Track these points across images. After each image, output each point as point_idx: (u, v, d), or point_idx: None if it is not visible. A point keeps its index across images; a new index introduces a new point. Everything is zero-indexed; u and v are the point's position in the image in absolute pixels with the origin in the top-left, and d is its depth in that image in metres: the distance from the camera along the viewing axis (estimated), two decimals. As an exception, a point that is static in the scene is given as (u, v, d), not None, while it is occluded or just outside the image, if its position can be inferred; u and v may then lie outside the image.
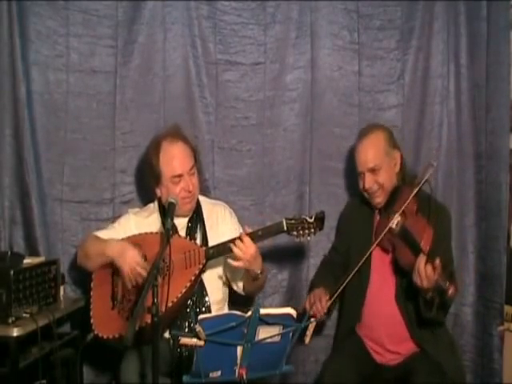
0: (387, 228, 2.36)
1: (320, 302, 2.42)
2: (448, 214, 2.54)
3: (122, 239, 2.41)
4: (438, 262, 2.13)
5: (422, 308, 2.28)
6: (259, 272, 2.30)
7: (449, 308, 2.41)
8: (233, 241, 2.26)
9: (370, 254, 2.44)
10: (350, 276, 2.43)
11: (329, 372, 2.35)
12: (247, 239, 2.22)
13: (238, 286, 2.48)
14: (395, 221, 2.35)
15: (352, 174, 2.91)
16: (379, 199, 2.48)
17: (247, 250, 2.22)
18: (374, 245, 2.41)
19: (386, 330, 2.43)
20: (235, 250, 2.22)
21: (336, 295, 2.45)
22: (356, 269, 2.43)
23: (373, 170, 2.45)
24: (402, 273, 2.38)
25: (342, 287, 2.44)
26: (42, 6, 2.80)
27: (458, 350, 2.59)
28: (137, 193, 2.88)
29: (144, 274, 2.23)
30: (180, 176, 2.40)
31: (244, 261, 2.23)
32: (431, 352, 2.35)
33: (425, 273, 2.14)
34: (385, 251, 2.43)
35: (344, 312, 2.63)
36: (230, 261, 2.29)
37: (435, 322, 2.36)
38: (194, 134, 2.80)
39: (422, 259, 2.17)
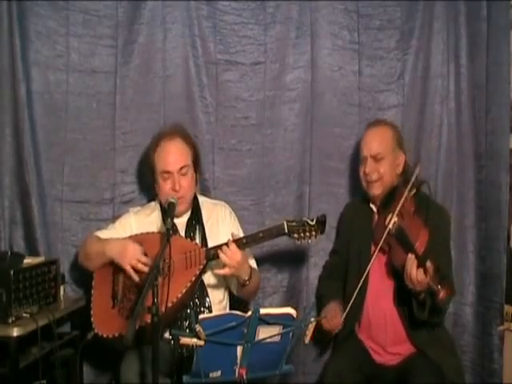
0: (387, 230, 2.34)
1: (336, 318, 2.43)
2: (447, 215, 2.54)
3: (124, 238, 2.40)
4: (429, 265, 2.12)
5: (415, 309, 2.26)
6: (246, 279, 2.30)
7: (444, 311, 2.40)
8: (222, 246, 2.27)
9: (370, 255, 2.44)
10: (359, 286, 2.40)
11: (330, 372, 2.35)
12: (233, 246, 2.23)
13: (232, 289, 2.48)
14: (392, 221, 2.34)
15: (352, 173, 2.92)
16: (377, 191, 2.47)
17: (233, 257, 2.22)
18: (376, 251, 2.39)
19: (385, 331, 2.43)
20: (221, 256, 2.23)
21: (348, 308, 2.42)
22: (363, 277, 2.40)
23: (376, 158, 2.46)
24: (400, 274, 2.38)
25: (352, 300, 2.41)
26: (42, 6, 2.80)
27: (457, 350, 2.59)
28: (138, 192, 2.87)
29: (145, 268, 2.23)
30: (168, 173, 2.40)
31: (230, 267, 2.23)
32: (430, 354, 2.34)
33: (416, 277, 2.13)
34: (382, 251, 2.42)
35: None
36: (216, 270, 2.30)
37: (430, 324, 2.35)
38: (194, 134, 2.80)
39: (413, 263, 2.15)
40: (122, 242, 2.33)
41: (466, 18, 2.88)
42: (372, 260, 2.40)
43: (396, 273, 2.37)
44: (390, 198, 2.44)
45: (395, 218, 2.34)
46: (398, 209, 2.33)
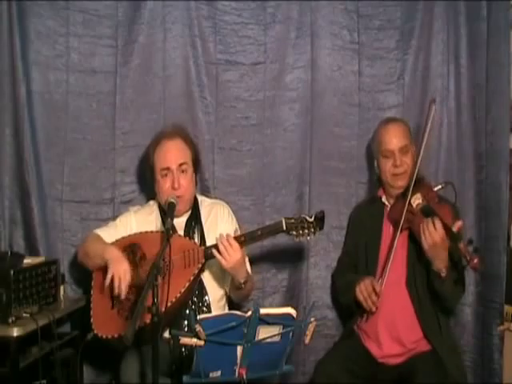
0: (406, 204, 2.38)
1: (375, 293, 2.40)
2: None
3: (123, 238, 2.41)
4: (460, 223, 2.21)
5: (434, 281, 2.30)
6: (242, 282, 2.29)
7: (463, 286, 2.50)
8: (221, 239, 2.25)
9: (380, 238, 2.50)
10: (391, 258, 2.42)
11: (321, 372, 2.36)
12: (234, 242, 2.20)
13: (226, 289, 2.47)
14: (416, 201, 2.39)
15: (352, 173, 2.93)
16: (403, 182, 2.52)
17: (232, 254, 2.19)
18: (399, 231, 2.41)
19: (393, 315, 2.43)
20: (221, 248, 2.20)
21: (384, 281, 2.42)
22: (392, 254, 2.43)
23: (403, 151, 2.52)
24: (415, 256, 2.41)
25: (387, 273, 2.42)
26: (42, 6, 2.80)
27: (460, 351, 2.61)
28: (138, 192, 2.88)
29: (123, 293, 2.20)
30: (167, 169, 2.39)
31: (227, 262, 2.20)
32: (435, 344, 2.36)
33: (433, 227, 2.20)
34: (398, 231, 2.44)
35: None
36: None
37: (449, 299, 2.41)
38: (194, 134, 2.80)
39: (428, 220, 2.22)
40: (120, 255, 2.29)
41: (466, 18, 2.89)
42: (396, 240, 2.42)
43: (411, 255, 2.43)
44: (414, 187, 2.46)
45: (420, 199, 2.39)
46: (423, 193, 2.40)
